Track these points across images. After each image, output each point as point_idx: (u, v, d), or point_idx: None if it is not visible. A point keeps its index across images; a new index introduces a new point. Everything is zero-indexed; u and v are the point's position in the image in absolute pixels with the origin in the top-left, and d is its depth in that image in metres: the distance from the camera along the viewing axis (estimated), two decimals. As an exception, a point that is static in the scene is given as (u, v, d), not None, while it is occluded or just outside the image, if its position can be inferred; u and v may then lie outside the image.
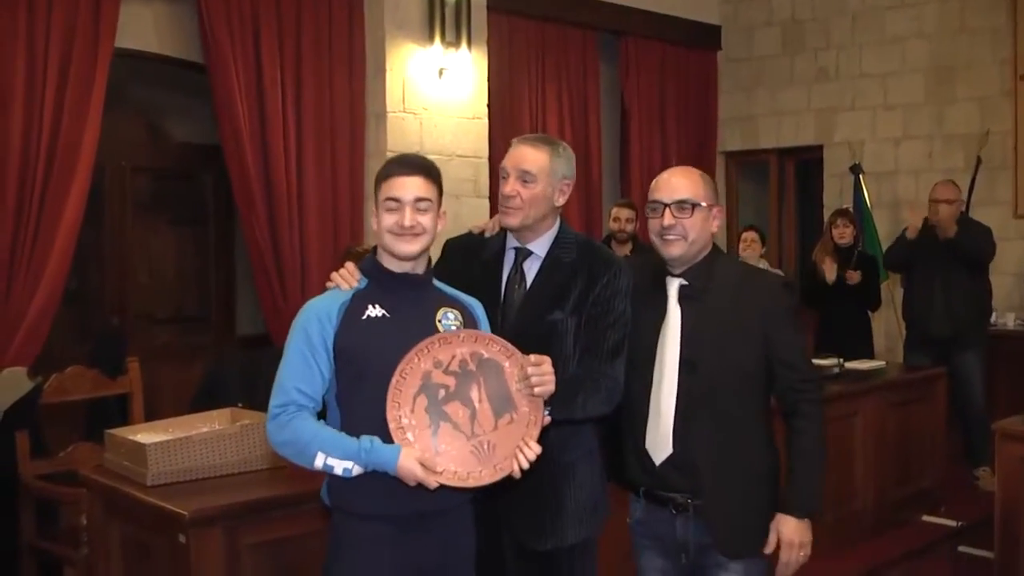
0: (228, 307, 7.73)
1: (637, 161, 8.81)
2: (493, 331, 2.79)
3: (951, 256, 6.58)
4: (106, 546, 3.58)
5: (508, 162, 3.02)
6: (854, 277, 6.90)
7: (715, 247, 3.08)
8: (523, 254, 3.05)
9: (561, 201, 3.05)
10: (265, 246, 6.43)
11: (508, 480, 2.63)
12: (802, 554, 2.92)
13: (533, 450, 2.61)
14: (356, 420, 2.63)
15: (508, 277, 3.05)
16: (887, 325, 8.18)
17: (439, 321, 2.73)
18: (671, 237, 2.94)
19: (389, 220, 2.71)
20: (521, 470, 2.61)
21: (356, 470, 2.56)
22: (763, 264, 7.27)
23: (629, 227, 6.87)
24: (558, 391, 2.69)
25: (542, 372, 2.63)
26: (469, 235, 3.23)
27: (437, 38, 6.98)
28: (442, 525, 2.71)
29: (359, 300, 2.72)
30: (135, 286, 7.20)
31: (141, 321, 7.23)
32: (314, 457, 2.56)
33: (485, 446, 2.61)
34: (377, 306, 2.71)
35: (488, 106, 7.44)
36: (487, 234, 3.17)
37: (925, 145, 8.63)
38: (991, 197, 8.15)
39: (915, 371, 6.46)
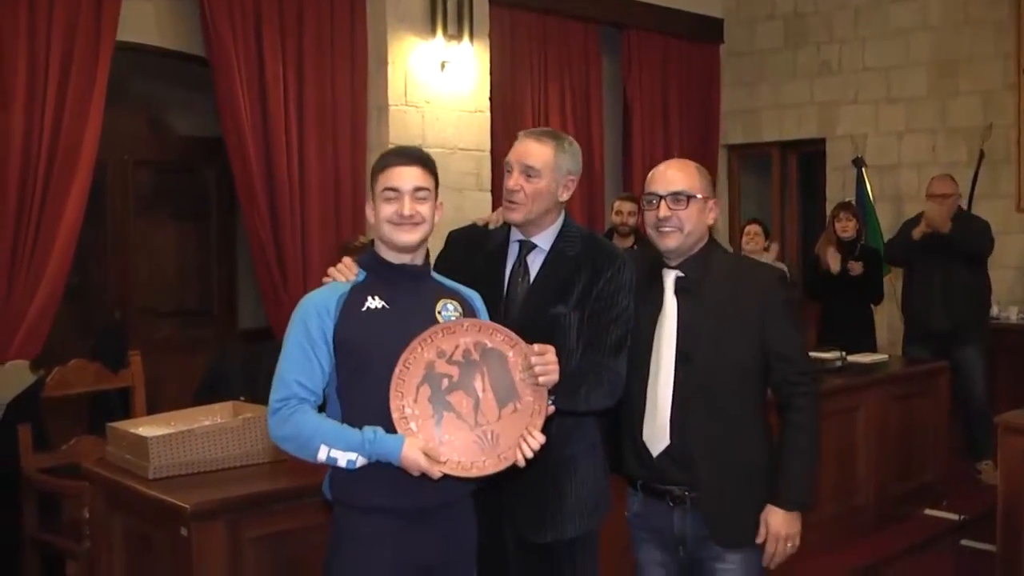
0: (230, 301, 7.73)
1: (639, 154, 8.80)
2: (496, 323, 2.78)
3: (952, 251, 6.57)
4: (108, 539, 3.59)
5: (512, 156, 3.01)
6: (856, 268, 6.89)
7: (712, 239, 3.08)
8: (527, 247, 3.05)
9: (565, 196, 3.04)
10: (267, 240, 6.43)
11: (511, 470, 2.62)
12: (789, 546, 2.92)
13: (537, 439, 2.60)
14: (357, 412, 2.63)
15: (512, 270, 3.05)
16: (890, 319, 8.17)
17: (439, 312, 2.73)
18: (667, 229, 2.95)
19: (388, 210, 2.70)
20: (525, 459, 2.60)
21: (360, 462, 2.56)
22: (766, 258, 7.25)
23: (631, 220, 6.86)
24: (562, 382, 2.69)
25: (546, 361, 2.62)
26: (473, 227, 3.23)
27: (439, 31, 6.98)
28: (444, 519, 2.71)
29: (358, 292, 2.71)
30: (137, 280, 7.19)
31: (143, 315, 7.23)
32: (317, 450, 2.56)
33: (489, 436, 2.61)
34: (376, 297, 2.70)
35: (490, 99, 7.44)
36: (491, 226, 3.16)
37: (928, 139, 8.62)
38: (994, 191, 8.14)
39: (917, 365, 6.45)
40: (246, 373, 5.17)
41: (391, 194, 2.71)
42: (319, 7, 6.65)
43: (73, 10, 5.52)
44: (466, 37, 7.11)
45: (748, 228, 7.56)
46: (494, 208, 3.65)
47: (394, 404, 2.55)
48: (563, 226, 3.06)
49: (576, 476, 2.99)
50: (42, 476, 4.62)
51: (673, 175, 2.99)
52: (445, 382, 2.61)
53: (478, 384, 2.63)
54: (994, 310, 7.81)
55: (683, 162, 3.07)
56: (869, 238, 7.65)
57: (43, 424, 4.94)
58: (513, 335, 2.66)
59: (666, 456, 2.93)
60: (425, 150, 2.84)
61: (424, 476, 2.53)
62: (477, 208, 6.86)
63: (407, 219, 2.69)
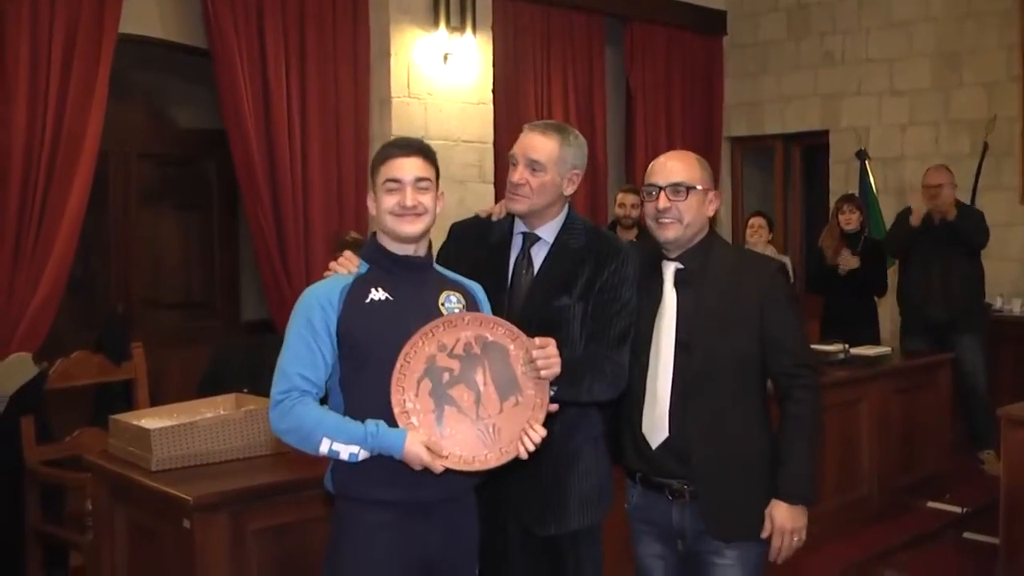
0: (232, 293, 7.72)
1: (642, 146, 8.78)
2: (499, 316, 2.77)
3: (950, 240, 6.57)
4: (111, 531, 3.59)
5: (517, 149, 3.00)
6: (852, 262, 6.88)
7: (711, 231, 3.07)
8: (531, 239, 3.04)
9: (570, 190, 3.04)
10: (269, 232, 6.42)
11: (514, 464, 2.62)
12: (795, 540, 2.91)
13: (539, 433, 2.60)
14: (359, 404, 2.62)
15: (515, 262, 3.05)
16: (893, 311, 8.15)
17: (442, 304, 2.73)
18: (666, 220, 2.95)
19: (390, 201, 2.70)
20: (527, 453, 2.60)
21: (362, 455, 2.55)
22: (770, 250, 7.24)
23: (634, 212, 6.85)
24: (565, 372, 2.69)
25: (547, 355, 2.62)
26: (476, 219, 3.23)
27: (442, 23, 6.97)
28: (446, 513, 2.71)
29: (361, 284, 2.71)
30: (139, 272, 7.19)
31: (146, 307, 7.22)
32: (319, 443, 2.55)
33: (491, 429, 2.61)
34: (380, 289, 2.70)
35: (493, 91, 7.43)
36: (494, 218, 3.16)
37: (931, 130, 8.60)
38: (997, 183, 8.12)
39: (920, 357, 6.45)
40: (248, 365, 5.16)
41: (393, 185, 2.70)
42: (321, -1, 6.65)
43: (75, 2, 5.51)
44: (469, 29, 7.11)
45: (752, 221, 7.55)
46: (496, 200, 3.64)
47: (395, 398, 2.55)
48: (567, 218, 3.06)
49: (580, 468, 2.99)
50: (45, 468, 4.63)
51: (673, 166, 2.99)
52: (446, 376, 2.60)
53: (479, 378, 2.63)
54: (997, 302, 7.82)
55: (683, 153, 3.08)
56: (872, 230, 7.64)
57: (46, 416, 4.95)
58: (514, 328, 2.66)
59: (665, 448, 2.93)
60: (427, 142, 2.83)
61: (426, 470, 2.53)
62: (480, 200, 6.86)
63: (409, 210, 2.69)
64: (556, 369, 2.63)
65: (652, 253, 3.05)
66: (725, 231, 9.73)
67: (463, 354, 2.62)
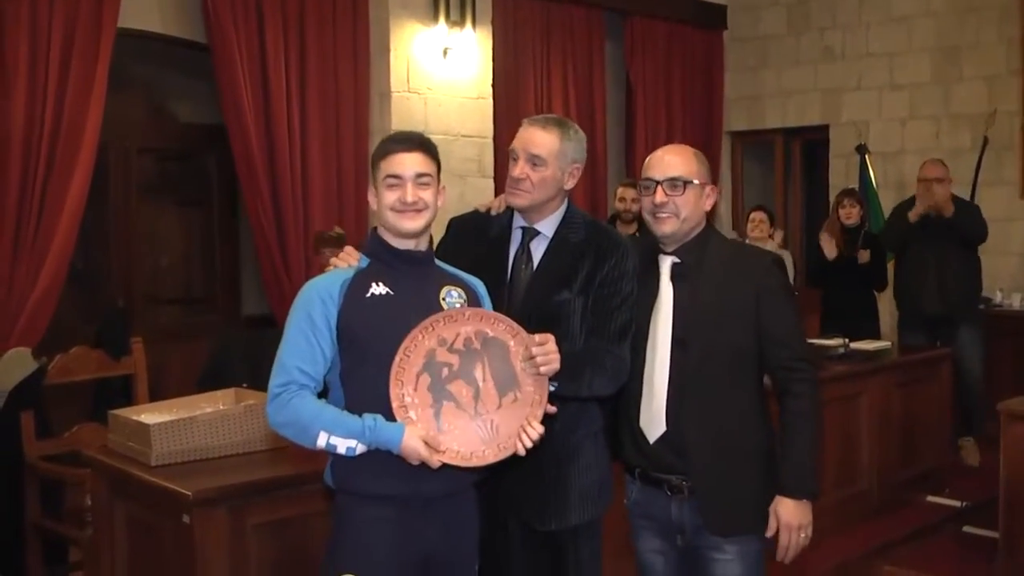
0: (232, 288, 7.73)
1: (642, 141, 8.77)
2: (499, 311, 2.77)
3: (946, 235, 6.57)
4: (111, 526, 3.59)
5: (518, 144, 2.99)
6: (864, 256, 6.87)
7: (709, 225, 3.06)
8: (530, 234, 3.03)
9: (570, 184, 3.03)
10: (269, 227, 6.42)
11: (513, 459, 2.62)
12: (803, 536, 2.89)
13: (537, 429, 2.60)
14: (359, 399, 2.62)
15: (515, 257, 3.04)
16: (892, 306, 8.16)
17: (443, 299, 2.72)
18: (663, 215, 2.94)
19: (391, 197, 2.69)
20: (525, 449, 2.60)
21: (360, 449, 2.55)
22: (771, 245, 7.23)
23: (635, 207, 6.84)
24: (565, 366, 2.68)
25: (547, 351, 2.62)
26: (475, 213, 3.21)
27: (441, 17, 6.97)
28: (447, 508, 2.70)
29: (361, 278, 2.70)
30: (139, 267, 7.19)
31: (145, 302, 7.23)
32: (316, 436, 2.55)
33: (489, 425, 2.60)
34: (381, 284, 2.69)
35: (493, 86, 7.43)
36: (493, 212, 3.15)
37: (931, 125, 8.59)
38: (998, 177, 8.12)
39: (920, 352, 6.45)
40: (248, 360, 5.17)
41: (393, 181, 2.69)
42: (321, -7, 6.64)
43: (74, -3, 5.51)
44: (468, 23, 7.10)
45: (753, 215, 7.54)
46: (496, 195, 3.63)
47: (393, 392, 2.54)
48: (566, 212, 3.05)
49: (580, 463, 2.98)
50: (44, 463, 4.63)
51: (670, 160, 2.98)
52: (445, 371, 2.60)
53: (479, 373, 2.62)
54: (997, 297, 7.82)
55: (680, 147, 3.06)
56: (872, 225, 7.63)
57: (45, 411, 4.94)
58: (515, 324, 2.65)
59: (662, 443, 2.92)
60: (428, 136, 2.82)
61: (423, 465, 2.53)
62: (479, 195, 6.86)
63: (410, 206, 2.68)
64: (555, 365, 2.63)
65: (649, 247, 3.05)
66: (725, 225, 9.73)
67: (463, 349, 2.62)
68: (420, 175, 2.69)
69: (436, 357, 2.59)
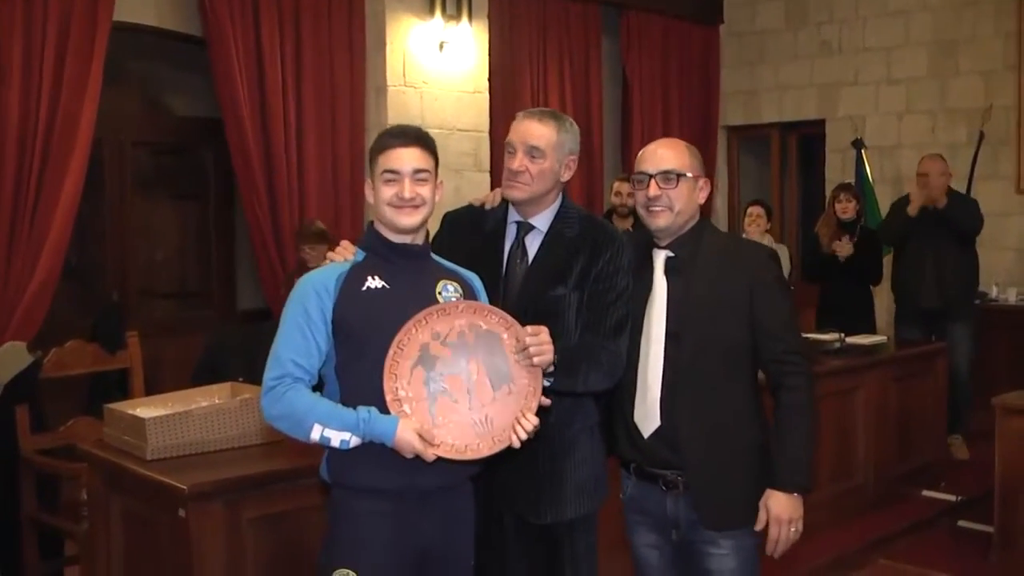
0: (228, 282, 7.72)
1: (639, 135, 8.76)
2: (494, 306, 2.76)
3: (942, 228, 6.58)
4: (106, 520, 3.59)
5: (515, 136, 2.98)
6: (845, 248, 6.84)
7: (703, 218, 3.05)
8: (525, 228, 3.03)
9: (567, 176, 3.03)
10: (265, 221, 6.42)
11: (507, 452, 2.62)
12: (793, 530, 2.89)
13: (531, 421, 2.59)
14: (355, 392, 2.61)
15: (510, 251, 3.03)
16: (888, 300, 8.16)
17: (439, 293, 2.71)
18: (656, 208, 2.93)
19: (388, 192, 2.68)
20: (520, 442, 2.59)
21: (354, 441, 2.54)
22: (767, 239, 7.24)
23: (631, 201, 6.79)
24: (562, 361, 2.68)
25: (540, 341, 2.61)
26: (469, 207, 3.21)
27: (438, 11, 6.96)
28: (443, 501, 2.70)
29: (357, 271, 2.70)
30: (135, 261, 7.19)
31: (141, 296, 7.23)
32: (311, 429, 2.54)
33: (483, 418, 2.60)
34: (376, 277, 2.69)
35: (489, 80, 7.42)
36: (487, 206, 3.14)
37: (928, 119, 8.60)
38: (994, 172, 8.13)
39: (916, 346, 6.46)
40: (244, 354, 5.15)
41: (391, 176, 2.68)
42: (317, -13, 6.63)
43: (69, -10, 5.50)
44: (465, 17, 7.09)
45: (751, 210, 7.53)
46: (492, 189, 3.63)
47: (387, 385, 2.54)
48: (561, 206, 3.04)
49: (576, 457, 2.98)
50: (40, 457, 4.63)
51: (663, 154, 2.97)
52: (439, 364, 2.60)
53: (472, 366, 2.62)
54: (993, 291, 7.83)
55: (673, 141, 3.06)
56: (869, 219, 7.64)
57: (41, 405, 4.94)
58: (508, 317, 2.65)
59: (657, 437, 2.92)
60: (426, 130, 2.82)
61: (418, 458, 2.53)
62: (475, 189, 6.86)
63: (407, 202, 2.67)
64: (548, 356, 2.62)
65: (644, 241, 3.04)
66: (721, 220, 9.74)
67: (456, 342, 2.61)
68: (418, 171, 2.69)
69: (430, 350, 2.59)
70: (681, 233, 2.98)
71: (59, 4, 5.45)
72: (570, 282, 2.94)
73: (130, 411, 3.60)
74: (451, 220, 3.20)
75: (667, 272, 2.96)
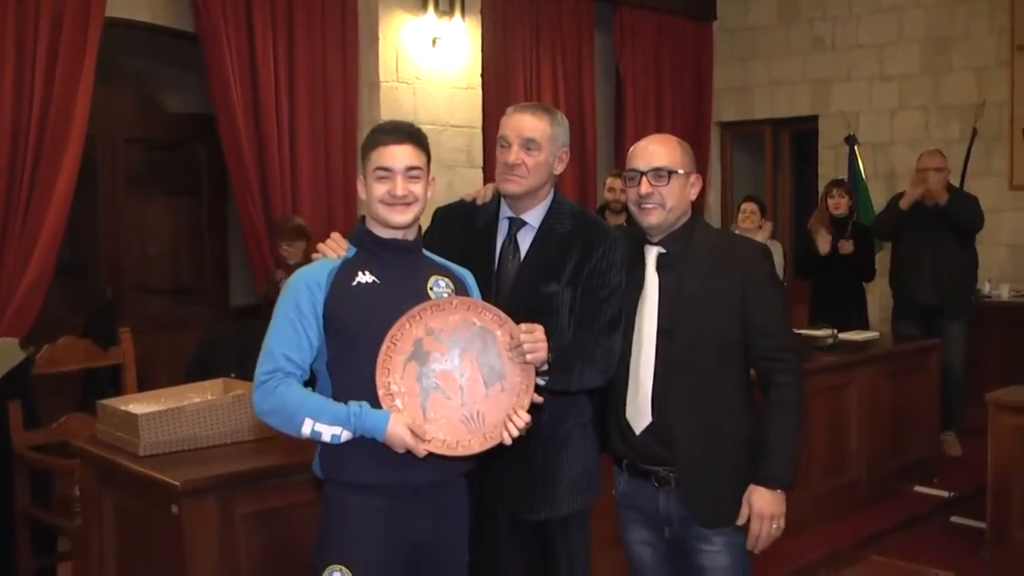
0: (221, 278, 7.71)
1: (632, 131, 8.75)
2: (487, 302, 2.76)
3: (941, 225, 6.58)
4: (99, 516, 3.59)
5: (509, 130, 2.97)
6: (847, 247, 6.88)
7: (695, 214, 3.04)
8: (517, 224, 3.02)
9: (560, 169, 3.03)
10: (258, 217, 6.41)
11: (503, 449, 2.62)
12: (774, 527, 2.88)
13: (523, 419, 2.59)
14: (346, 387, 2.61)
15: (502, 248, 3.03)
16: (881, 296, 8.17)
17: (430, 289, 2.71)
18: (648, 205, 2.92)
19: (380, 190, 2.68)
20: (512, 438, 2.59)
21: (345, 436, 2.54)
22: (761, 236, 7.23)
23: (623, 197, 6.82)
24: (556, 360, 2.69)
25: (534, 339, 2.61)
26: (460, 203, 3.20)
27: (430, 7, 6.96)
28: (437, 497, 2.70)
29: (348, 267, 2.70)
30: (128, 257, 7.17)
31: (134, 292, 7.22)
32: (301, 424, 2.54)
33: (475, 414, 2.60)
34: (367, 272, 2.69)
35: (482, 76, 7.42)
36: (479, 202, 3.14)
37: (921, 116, 8.61)
38: (987, 168, 8.14)
39: (909, 342, 6.47)
40: (237, 350, 5.15)
41: (383, 173, 2.68)
42: (310, -18, 6.62)
43: (61, -19, 5.49)
44: (457, 13, 7.09)
45: (744, 206, 7.54)
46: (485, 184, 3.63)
47: (380, 380, 2.54)
48: (553, 202, 3.04)
49: (569, 454, 2.98)
50: (33, 453, 4.63)
51: (654, 150, 2.96)
52: (432, 359, 2.60)
53: (466, 362, 2.62)
54: (986, 287, 7.84)
55: (664, 137, 3.05)
56: (861, 216, 7.65)
57: (33, 401, 4.94)
58: (502, 314, 2.65)
59: (648, 434, 2.91)
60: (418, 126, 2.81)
61: (410, 454, 2.52)
62: (468, 185, 6.85)
63: (399, 199, 2.67)
64: (542, 354, 2.62)
65: (636, 237, 3.03)
66: (714, 216, 9.74)
67: (450, 338, 2.62)
68: (410, 168, 2.69)
69: (423, 346, 2.59)
70: (673, 229, 2.97)
71: (51, 0, 5.44)
72: (563, 278, 2.93)
73: (123, 407, 3.60)
74: (442, 216, 3.20)
75: (659, 268, 2.96)
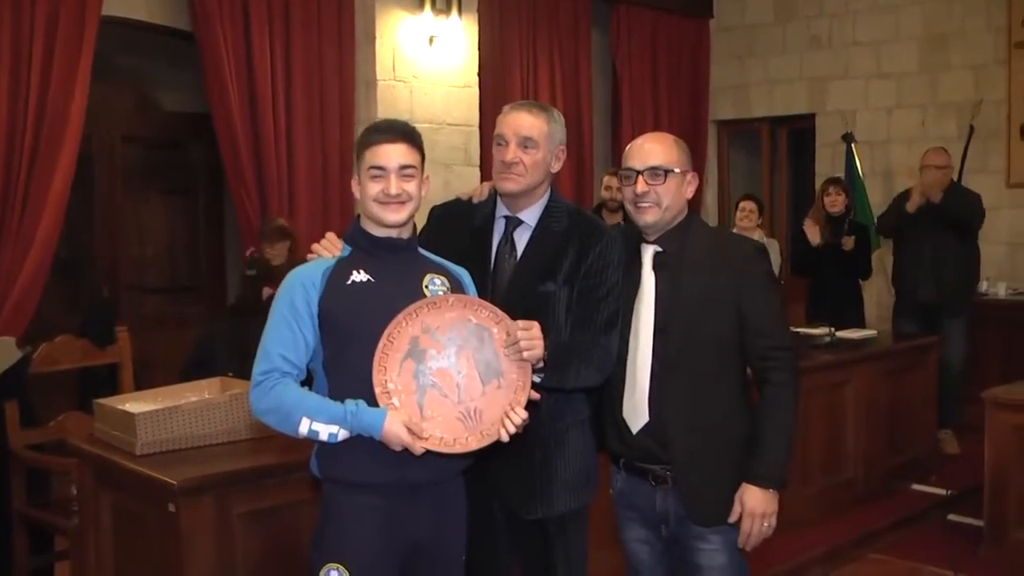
0: (218, 277, 7.71)
1: (629, 129, 8.75)
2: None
3: (942, 222, 6.58)
4: (96, 515, 3.58)
5: (506, 129, 2.97)
6: (849, 243, 6.88)
7: (691, 213, 3.04)
8: (513, 223, 3.02)
9: (557, 167, 3.03)
10: (254, 215, 6.40)
11: (500, 447, 2.61)
12: (766, 525, 2.87)
13: (520, 416, 2.59)
14: (342, 386, 2.61)
15: (498, 247, 3.02)
16: (879, 294, 8.19)
17: (426, 287, 2.71)
18: (644, 204, 2.91)
19: (374, 188, 2.68)
20: (509, 435, 2.59)
21: (341, 435, 2.54)
22: (757, 234, 7.24)
23: (620, 196, 6.83)
24: (553, 358, 2.68)
25: (531, 336, 2.61)
26: (457, 201, 3.19)
27: (427, 5, 6.95)
28: (434, 496, 2.70)
29: (343, 266, 2.69)
30: (124, 256, 7.17)
31: (131, 291, 7.21)
32: (298, 423, 2.54)
33: (472, 412, 2.59)
34: (362, 271, 2.68)
35: (479, 74, 7.41)
36: (475, 200, 3.13)
37: (918, 114, 8.61)
38: (984, 166, 8.14)
39: (906, 340, 6.47)
40: (234, 349, 5.15)
41: (377, 172, 2.68)
42: (306, -20, 6.61)
43: (58, -21, 5.48)
44: (454, 11, 7.09)
45: (742, 205, 7.54)
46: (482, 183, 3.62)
47: (377, 378, 2.54)
48: (549, 201, 3.03)
49: (566, 452, 2.98)
50: (30, 452, 4.62)
51: (650, 149, 2.95)
52: (429, 357, 2.59)
53: (462, 360, 2.61)
54: (983, 285, 7.84)
55: (660, 135, 3.04)
56: (858, 214, 7.65)
57: (30, 400, 4.92)
58: (499, 311, 2.65)
59: (645, 433, 2.91)
60: (412, 125, 2.81)
61: (406, 451, 2.52)
62: (465, 183, 6.84)
63: (394, 198, 2.67)
64: (539, 351, 2.62)
65: (632, 236, 3.03)
66: (711, 214, 9.74)
67: (447, 336, 2.61)
68: (404, 167, 2.68)
69: (420, 343, 2.59)
70: (669, 228, 2.97)
71: (47, -2, 5.44)
72: (559, 277, 2.93)
73: (120, 406, 3.59)
74: (439, 215, 3.19)
75: (655, 267, 2.95)
